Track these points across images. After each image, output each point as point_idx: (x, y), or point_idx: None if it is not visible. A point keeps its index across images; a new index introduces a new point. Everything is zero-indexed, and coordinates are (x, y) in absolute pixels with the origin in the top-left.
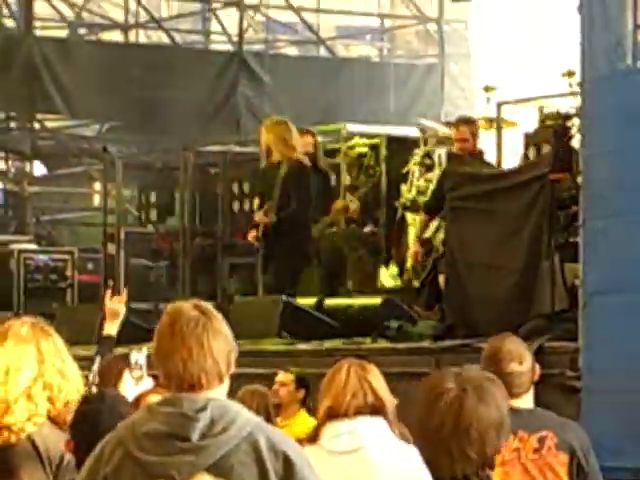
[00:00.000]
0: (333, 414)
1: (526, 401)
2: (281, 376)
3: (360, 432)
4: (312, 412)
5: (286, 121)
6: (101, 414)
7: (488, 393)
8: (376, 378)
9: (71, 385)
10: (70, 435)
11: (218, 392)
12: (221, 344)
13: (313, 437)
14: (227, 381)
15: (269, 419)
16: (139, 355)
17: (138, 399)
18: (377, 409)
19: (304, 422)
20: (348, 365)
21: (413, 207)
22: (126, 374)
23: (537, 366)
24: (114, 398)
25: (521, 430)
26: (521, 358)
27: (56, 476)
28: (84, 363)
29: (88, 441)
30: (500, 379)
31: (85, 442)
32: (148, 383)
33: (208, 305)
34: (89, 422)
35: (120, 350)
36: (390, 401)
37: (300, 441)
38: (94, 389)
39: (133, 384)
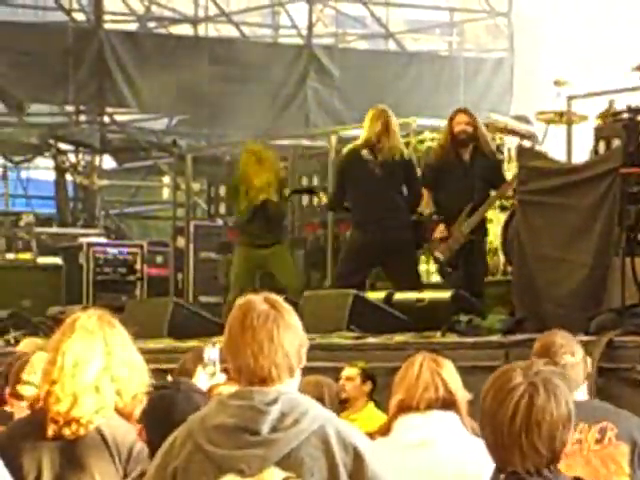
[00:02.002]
0: (405, 407)
1: (582, 393)
2: (347, 371)
3: (432, 426)
4: (380, 405)
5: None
6: (176, 402)
7: (557, 388)
8: (449, 372)
9: (138, 378)
10: (143, 423)
11: (289, 385)
12: (292, 337)
13: (385, 430)
14: (298, 374)
15: (338, 409)
16: (212, 351)
17: (209, 391)
18: (449, 403)
19: (372, 415)
20: (421, 359)
21: None
22: (199, 370)
23: (588, 359)
24: (189, 386)
25: (582, 422)
26: (573, 350)
27: (126, 467)
28: (152, 356)
29: (161, 429)
30: None
31: (158, 430)
32: (221, 379)
33: (278, 298)
34: (164, 409)
35: (192, 344)
36: (462, 396)
37: (370, 434)
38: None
39: (206, 379)
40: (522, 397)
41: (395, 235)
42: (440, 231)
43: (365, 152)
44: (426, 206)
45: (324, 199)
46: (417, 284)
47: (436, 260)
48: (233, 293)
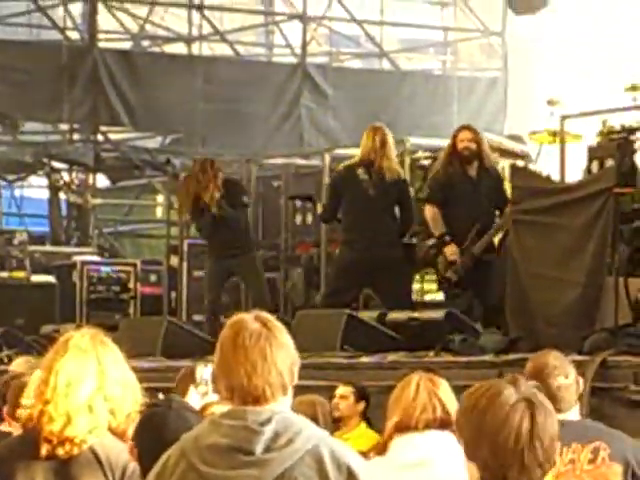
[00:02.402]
0: (402, 427)
1: (574, 413)
2: (341, 389)
3: (429, 446)
4: (372, 424)
5: None
6: (167, 420)
7: (546, 402)
8: (446, 392)
9: (131, 397)
10: (135, 441)
11: (282, 404)
12: (284, 356)
13: (381, 449)
14: (291, 392)
15: (331, 429)
16: (204, 370)
17: (202, 411)
18: (446, 423)
19: (365, 435)
20: (418, 378)
21: None
22: (191, 389)
23: (580, 380)
24: (181, 404)
25: (575, 442)
26: (567, 372)
27: None
28: (146, 375)
29: (153, 447)
30: (548, 393)
31: (150, 448)
32: (213, 399)
33: (269, 317)
34: (155, 427)
35: (185, 363)
36: None
37: (363, 453)
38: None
39: (199, 399)
40: (524, 415)
41: (384, 253)
42: (452, 252)
43: (360, 171)
44: (435, 225)
45: (320, 209)
46: (407, 303)
47: (447, 280)
48: (207, 305)
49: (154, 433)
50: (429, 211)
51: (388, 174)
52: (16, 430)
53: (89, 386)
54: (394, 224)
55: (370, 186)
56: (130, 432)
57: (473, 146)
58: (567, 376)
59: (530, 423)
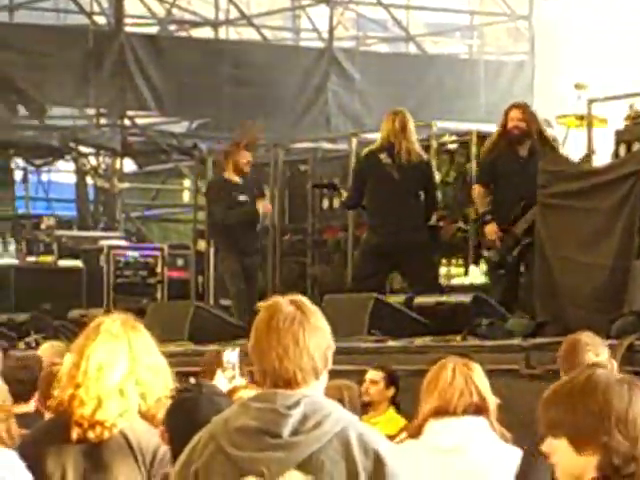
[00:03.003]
0: (439, 412)
1: None
2: (371, 374)
3: (465, 431)
4: (400, 409)
5: None
6: (199, 404)
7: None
8: (480, 377)
9: (162, 381)
10: (165, 425)
11: (314, 388)
12: (318, 340)
13: (416, 432)
14: (324, 377)
15: (358, 413)
16: (231, 354)
17: (230, 394)
18: (481, 409)
19: (393, 420)
20: (453, 363)
21: None
22: (219, 373)
23: (614, 362)
24: (212, 389)
25: None
26: (597, 351)
27: (150, 471)
28: (173, 359)
29: (184, 431)
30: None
31: (181, 432)
32: (240, 382)
33: (305, 301)
34: (187, 412)
35: (211, 348)
36: (492, 401)
37: (390, 438)
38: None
39: (226, 383)
40: (631, 391)
41: (409, 237)
42: (491, 231)
43: (383, 156)
44: (480, 204)
45: (344, 196)
46: (434, 286)
47: (487, 261)
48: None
49: (186, 418)
50: (475, 190)
51: (411, 157)
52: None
53: (120, 370)
54: (419, 207)
55: (394, 170)
56: (160, 416)
57: (522, 125)
58: (598, 355)
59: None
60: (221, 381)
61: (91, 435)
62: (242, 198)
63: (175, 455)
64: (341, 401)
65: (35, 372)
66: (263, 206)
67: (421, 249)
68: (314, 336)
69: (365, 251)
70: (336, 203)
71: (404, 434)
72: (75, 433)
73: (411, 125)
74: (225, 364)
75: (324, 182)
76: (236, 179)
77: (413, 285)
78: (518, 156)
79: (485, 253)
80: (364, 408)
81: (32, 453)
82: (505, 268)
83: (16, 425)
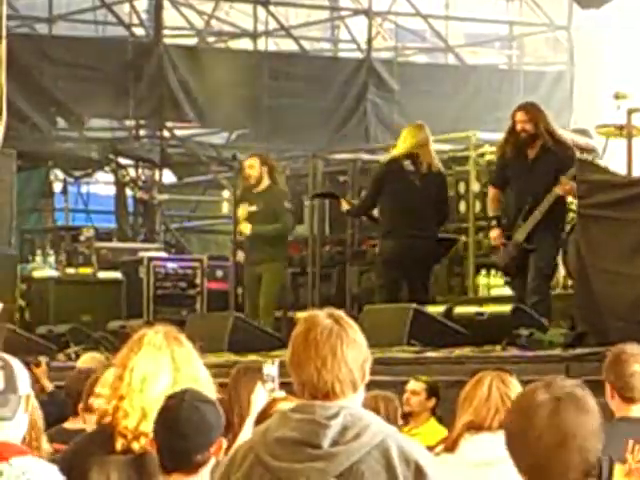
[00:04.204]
0: (475, 426)
1: None
2: (412, 384)
3: (500, 446)
4: (441, 420)
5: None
6: (180, 410)
7: (583, 400)
8: (517, 393)
9: (204, 392)
10: (153, 433)
11: (352, 401)
12: (355, 353)
13: (452, 447)
14: (362, 390)
15: (397, 424)
16: (272, 368)
17: (269, 407)
18: None
19: (434, 431)
20: (490, 378)
21: None
22: (258, 386)
23: None
24: (194, 396)
25: None
26: None
27: None
28: (214, 371)
29: (166, 438)
30: (620, 381)
31: (164, 439)
32: (280, 395)
33: (342, 314)
34: (168, 418)
35: (252, 358)
36: None
37: (430, 449)
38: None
39: (266, 397)
40: (548, 414)
41: (422, 245)
42: (494, 237)
43: (407, 162)
44: (490, 208)
45: (344, 205)
46: (424, 298)
47: (496, 267)
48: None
49: (168, 425)
50: (489, 193)
51: (431, 168)
52: (88, 427)
53: (164, 382)
54: (434, 217)
55: (416, 177)
56: None
57: (528, 126)
58: None
59: (555, 422)
60: (261, 394)
61: (135, 446)
62: None
63: (161, 462)
64: (376, 411)
65: None
66: None
67: (427, 260)
68: (352, 349)
69: (386, 260)
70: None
71: (440, 447)
72: (119, 444)
73: (430, 138)
74: (265, 377)
75: (324, 191)
76: None
77: (411, 292)
78: (526, 159)
79: (493, 258)
80: (405, 419)
81: (76, 464)
82: (509, 274)
83: (48, 444)
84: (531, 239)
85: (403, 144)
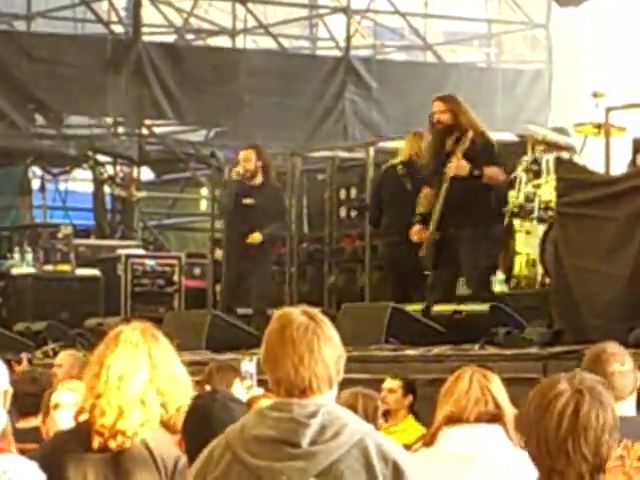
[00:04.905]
0: (453, 419)
1: (629, 406)
2: (389, 382)
3: (479, 438)
4: (419, 418)
5: None
6: (212, 411)
7: (602, 395)
8: (498, 387)
9: (182, 390)
10: (182, 434)
11: (327, 397)
12: (331, 349)
13: (430, 440)
14: (336, 387)
15: (376, 423)
16: (250, 365)
17: (249, 403)
18: (496, 417)
19: (412, 428)
20: (471, 372)
21: (521, 213)
22: (236, 382)
23: (639, 374)
24: (225, 396)
25: (625, 437)
26: (623, 360)
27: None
28: (191, 368)
29: (199, 438)
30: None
31: (196, 439)
32: (258, 392)
33: (316, 311)
34: (200, 419)
35: (229, 357)
36: (510, 411)
37: (408, 447)
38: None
39: (243, 393)
40: (568, 403)
41: (410, 250)
42: (413, 232)
43: (400, 167)
44: (420, 204)
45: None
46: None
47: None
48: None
49: (199, 425)
50: (422, 192)
51: (424, 172)
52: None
53: (141, 379)
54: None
55: (408, 181)
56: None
57: (445, 117)
58: (623, 364)
59: (574, 411)
60: (239, 391)
61: (112, 444)
62: None
63: (192, 462)
64: (354, 409)
65: (44, 385)
66: None
67: (416, 266)
68: (328, 345)
69: (385, 265)
70: (353, 212)
71: (419, 443)
72: (96, 442)
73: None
74: (243, 374)
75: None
76: None
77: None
78: (443, 150)
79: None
80: (382, 417)
81: (53, 462)
82: (434, 267)
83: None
84: (443, 228)
85: (402, 152)
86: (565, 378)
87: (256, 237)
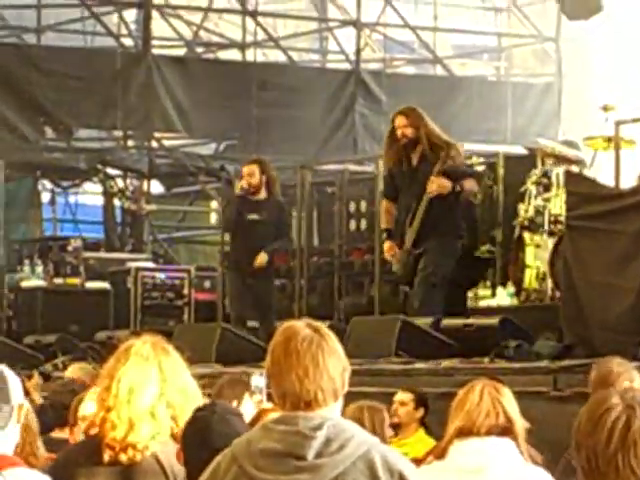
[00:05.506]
0: (464, 432)
1: None
2: (400, 395)
3: (490, 452)
4: (430, 431)
5: None
6: (211, 422)
7: None
8: (509, 400)
9: (192, 403)
10: (181, 445)
11: (333, 410)
12: (335, 362)
13: (441, 453)
14: (341, 399)
15: (383, 435)
16: (260, 379)
17: (258, 416)
18: (507, 430)
19: (422, 441)
20: (482, 386)
21: (531, 227)
22: (246, 397)
23: None
24: (224, 408)
25: None
26: (632, 377)
27: None
28: (202, 382)
29: (197, 450)
30: None
31: (194, 451)
32: (268, 406)
33: (320, 324)
34: (198, 430)
35: (238, 369)
36: (521, 424)
37: (418, 460)
38: None
39: (253, 407)
40: (619, 418)
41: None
42: (386, 249)
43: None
44: (383, 220)
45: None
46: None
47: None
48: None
49: (198, 437)
50: (381, 206)
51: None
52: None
53: (151, 393)
54: None
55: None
56: None
57: (408, 131)
58: (632, 381)
59: (625, 426)
60: (248, 405)
61: (123, 457)
62: None
63: (190, 474)
64: (360, 422)
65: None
66: None
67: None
68: (332, 358)
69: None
70: (363, 225)
71: (430, 457)
72: (107, 455)
73: None
74: (253, 388)
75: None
76: None
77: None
78: (408, 164)
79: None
80: (393, 430)
81: (64, 475)
82: (408, 284)
83: (43, 448)
84: (418, 244)
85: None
86: (617, 393)
87: (263, 260)
